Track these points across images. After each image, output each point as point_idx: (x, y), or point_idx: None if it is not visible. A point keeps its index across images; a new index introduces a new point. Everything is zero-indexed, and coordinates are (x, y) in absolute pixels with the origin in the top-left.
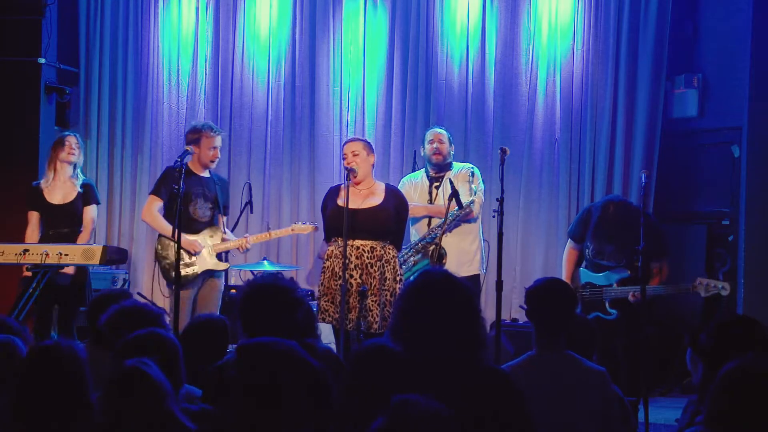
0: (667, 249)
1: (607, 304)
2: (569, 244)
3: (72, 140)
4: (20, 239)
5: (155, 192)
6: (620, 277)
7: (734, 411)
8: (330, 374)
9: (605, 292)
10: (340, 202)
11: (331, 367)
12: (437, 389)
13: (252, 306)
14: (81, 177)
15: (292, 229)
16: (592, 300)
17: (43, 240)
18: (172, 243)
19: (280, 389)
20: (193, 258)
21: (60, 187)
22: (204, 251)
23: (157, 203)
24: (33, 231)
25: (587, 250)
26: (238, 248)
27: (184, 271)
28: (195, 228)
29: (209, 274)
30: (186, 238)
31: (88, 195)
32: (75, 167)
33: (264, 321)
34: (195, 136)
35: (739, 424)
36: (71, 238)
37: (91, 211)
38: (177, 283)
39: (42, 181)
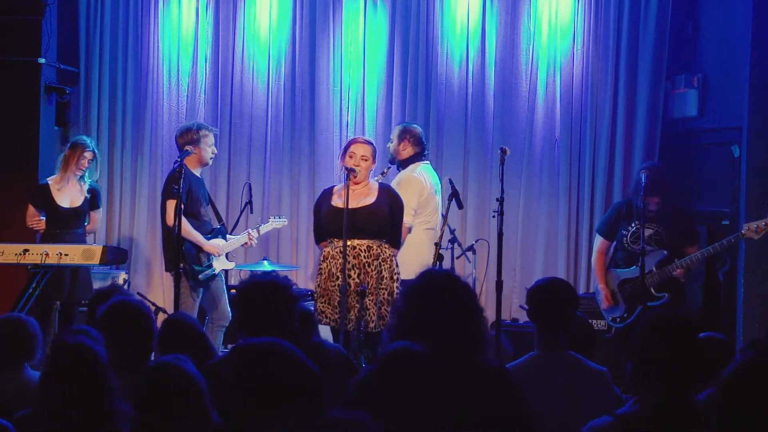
0: (698, 234)
1: (653, 290)
2: (598, 242)
3: (89, 155)
4: (21, 238)
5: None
6: (658, 260)
7: (746, 403)
8: (341, 372)
9: (648, 279)
10: (335, 203)
11: (341, 366)
12: (444, 387)
13: (249, 302)
14: (88, 181)
15: (272, 225)
16: (633, 292)
17: (50, 238)
18: (196, 247)
19: (274, 390)
20: (212, 260)
21: (68, 191)
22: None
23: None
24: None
25: (624, 238)
26: (244, 245)
27: (205, 273)
28: (204, 229)
29: (220, 273)
30: (207, 242)
31: (95, 199)
32: (84, 172)
33: (261, 317)
34: (195, 136)
35: (751, 415)
36: (82, 238)
37: (98, 215)
38: (177, 282)
39: (51, 182)
